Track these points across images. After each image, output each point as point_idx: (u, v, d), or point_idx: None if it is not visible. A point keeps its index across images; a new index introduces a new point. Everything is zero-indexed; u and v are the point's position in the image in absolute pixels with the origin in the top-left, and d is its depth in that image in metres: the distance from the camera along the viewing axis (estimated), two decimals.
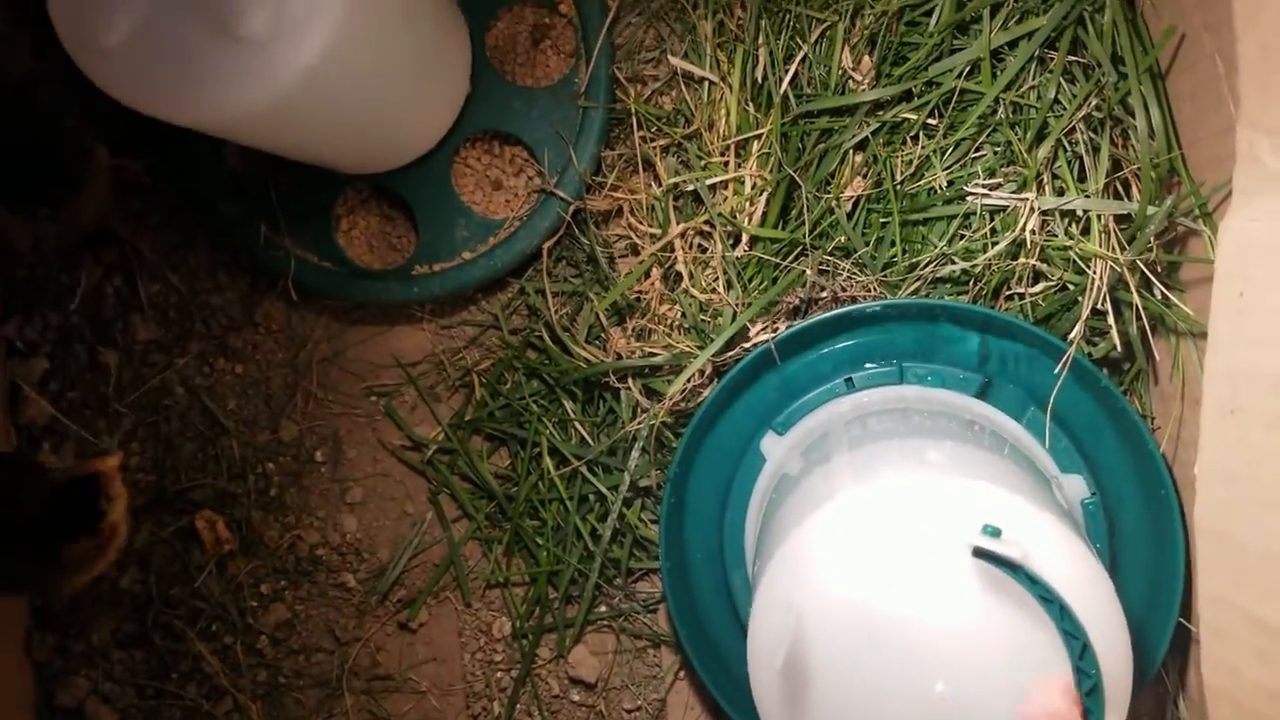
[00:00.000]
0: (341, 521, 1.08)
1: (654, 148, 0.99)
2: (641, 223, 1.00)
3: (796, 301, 0.96)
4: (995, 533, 0.64)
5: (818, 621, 0.68)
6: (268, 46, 0.68)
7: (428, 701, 1.07)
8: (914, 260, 0.94)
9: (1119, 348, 0.90)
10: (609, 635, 1.05)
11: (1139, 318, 0.88)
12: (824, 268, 0.95)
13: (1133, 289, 0.86)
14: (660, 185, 0.99)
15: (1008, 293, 0.93)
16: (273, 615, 1.07)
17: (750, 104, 0.96)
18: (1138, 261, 0.86)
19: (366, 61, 0.76)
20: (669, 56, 0.99)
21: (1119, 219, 0.88)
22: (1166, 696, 0.92)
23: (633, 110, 0.99)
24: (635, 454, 0.99)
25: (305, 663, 1.08)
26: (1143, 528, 0.91)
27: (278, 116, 0.73)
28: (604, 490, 1.01)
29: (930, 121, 0.93)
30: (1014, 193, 0.90)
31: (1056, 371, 0.88)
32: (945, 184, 0.92)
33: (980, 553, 0.63)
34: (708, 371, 0.97)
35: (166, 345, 1.09)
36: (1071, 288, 0.90)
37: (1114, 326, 0.89)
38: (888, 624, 0.67)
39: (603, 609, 1.04)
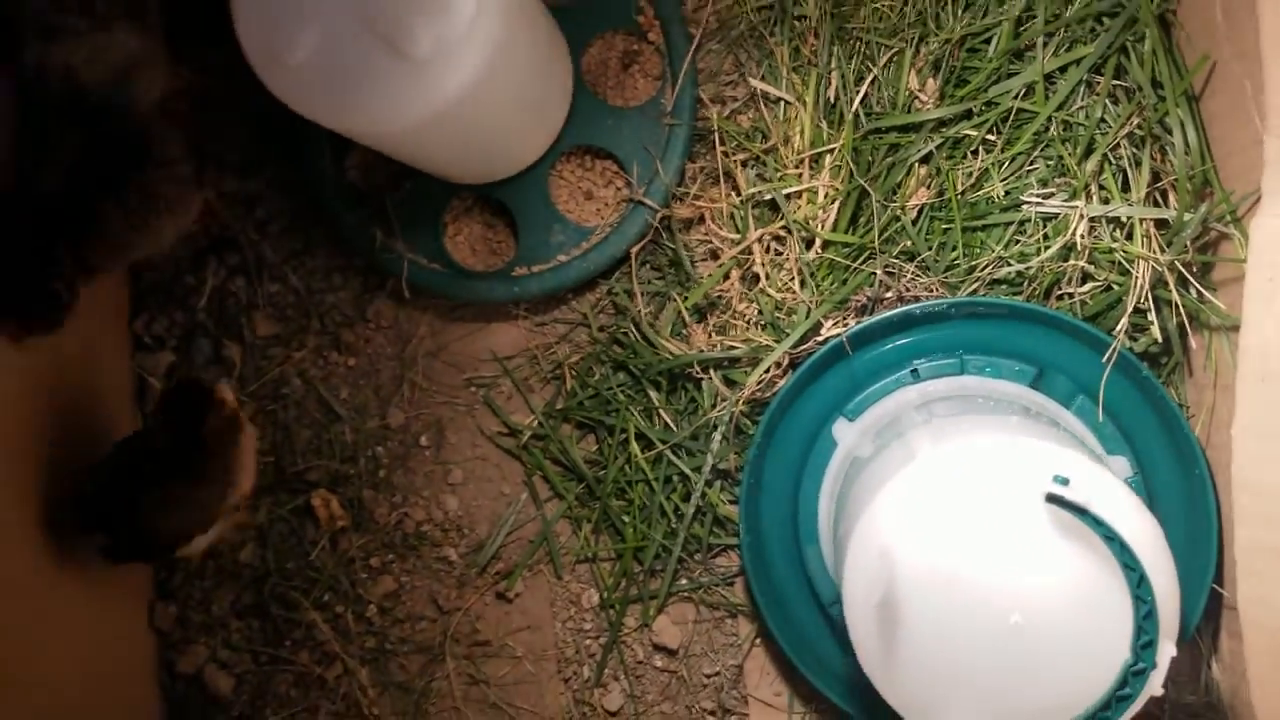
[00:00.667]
0: (444, 501, 1.18)
1: (734, 161, 1.10)
2: (721, 229, 1.10)
3: (865, 300, 1.06)
4: (1065, 481, 0.74)
5: (907, 563, 0.78)
6: (430, 66, 0.79)
7: (523, 666, 1.16)
8: (973, 263, 1.04)
9: (1159, 341, 1.00)
10: (689, 606, 1.14)
11: (1177, 314, 0.99)
12: (890, 270, 1.05)
13: (1171, 287, 0.97)
14: (739, 195, 1.09)
15: (1058, 293, 1.03)
16: (381, 586, 1.17)
17: (823, 121, 1.07)
18: (1176, 262, 0.96)
19: (505, 82, 0.87)
20: (748, 78, 1.10)
21: (1158, 225, 0.99)
22: (1201, 659, 1.01)
23: (715, 127, 1.10)
24: (716, 438, 1.09)
25: (410, 630, 1.17)
26: (1179, 504, 1.00)
27: (430, 129, 0.84)
28: (687, 471, 1.11)
29: (989, 138, 1.03)
30: (1065, 201, 1.00)
31: (1104, 361, 0.98)
32: (1003, 194, 1.03)
33: (1052, 498, 0.74)
34: (783, 364, 1.07)
35: (285, 340, 1.20)
36: (1116, 288, 1.01)
37: (1154, 322, 0.99)
38: (970, 564, 0.77)
39: (684, 582, 1.14)
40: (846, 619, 0.81)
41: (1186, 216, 0.95)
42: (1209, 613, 1.00)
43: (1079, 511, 0.73)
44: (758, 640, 1.13)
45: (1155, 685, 0.74)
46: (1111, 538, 0.73)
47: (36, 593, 0.96)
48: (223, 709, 1.18)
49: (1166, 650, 0.74)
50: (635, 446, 1.12)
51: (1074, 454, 0.78)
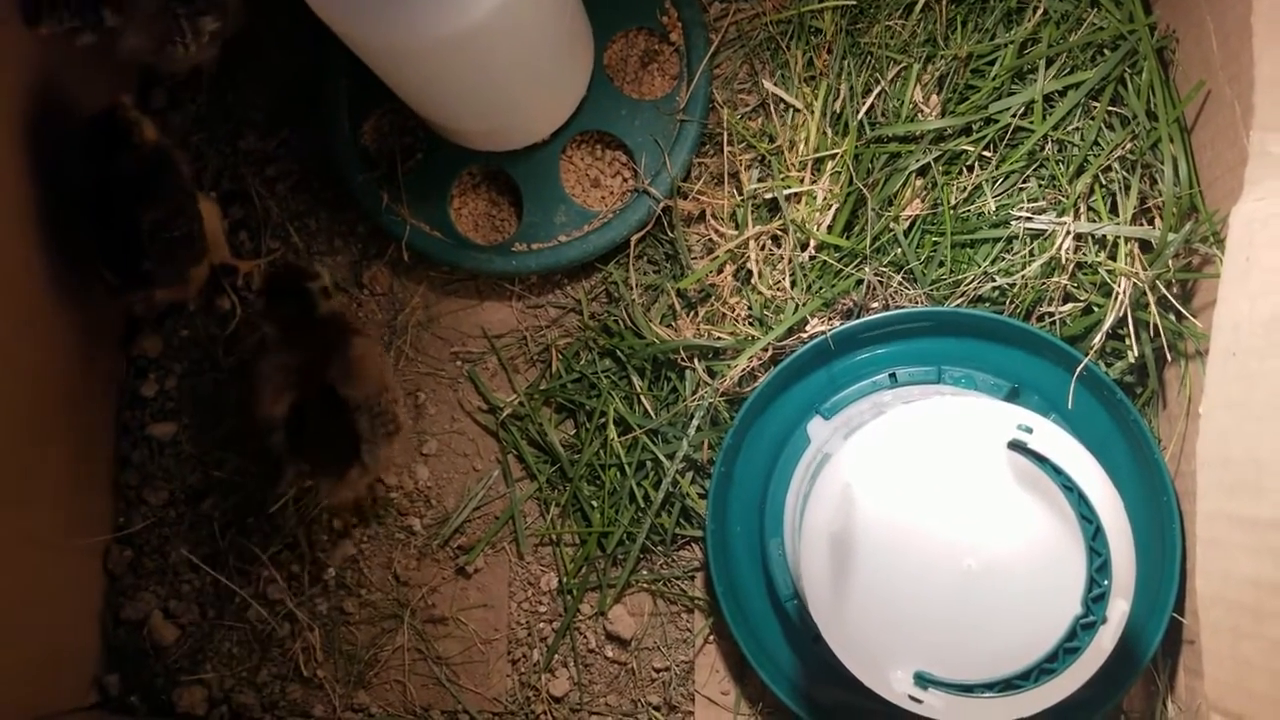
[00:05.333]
0: (415, 470, 1.18)
1: (740, 160, 1.14)
2: (722, 225, 1.13)
3: (851, 305, 1.08)
4: (1029, 431, 0.75)
5: (868, 501, 0.78)
6: None
7: (473, 644, 1.15)
8: (959, 278, 1.06)
9: (1135, 361, 1.01)
10: (647, 598, 1.13)
11: (1156, 336, 1.00)
12: (879, 277, 1.07)
13: (1152, 305, 0.99)
14: (741, 193, 1.12)
15: (1039, 312, 1.05)
16: (340, 550, 1.16)
17: (829, 129, 1.11)
18: (1158, 282, 0.98)
19: (529, 20, 0.91)
20: (761, 81, 1.14)
21: (1142, 249, 1.01)
22: (1157, 696, 1.00)
23: (726, 125, 1.14)
24: (694, 425, 1.10)
25: (365, 597, 1.16)
26: (1144, 530, 1.00)
27: (454, 53, 0.87)
28: (661, 457, 1.11)
29: (985, 154, 1.07)
30: (1053, 218, 1.03)
31: (1074, 374, 1.00)
32: (994, 209, 1.05)
33: (1014, 445, 0.74)
34: (767, 356, 1.08)
35: None
36: (1097, 309, 1.03)
37: (1132, 344, 1.01)
38: (929, 510, 0.77)
39: (644, 572, 1.13)
40: (801, 547, 0.81)
41: (1170, 236, 0.97)
42: (1167, 649, 1.00)
43: (1040, 460, 0.74)
44: (711, 637, 1.12)
45: (1105, 641, 0.74)
46: (1070, 488, 0.73)
47: None
48: (161, 658, 1.16)
49: (1119, 607, 0.74)
50: (613, 430, 1.13)
51: (1039, 416, 0.78)
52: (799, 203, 1.10)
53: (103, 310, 1.16)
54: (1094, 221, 1.02)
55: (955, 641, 0.77)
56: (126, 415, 1.20)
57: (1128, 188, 1.03)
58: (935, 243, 1.07)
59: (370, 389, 1.02)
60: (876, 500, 0.78)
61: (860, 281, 1.08)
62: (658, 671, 1.13)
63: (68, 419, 1.11)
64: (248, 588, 1.16)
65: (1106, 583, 0.74)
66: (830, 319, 1.09)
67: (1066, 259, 1.02)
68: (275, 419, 1.01)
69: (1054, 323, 1.04)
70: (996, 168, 1.06)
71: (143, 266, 1.02)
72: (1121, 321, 1.02)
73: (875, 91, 1.10)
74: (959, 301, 1.06)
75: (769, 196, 1.11)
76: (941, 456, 0.79)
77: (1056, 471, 0.74)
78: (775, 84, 1.14)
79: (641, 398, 1.13)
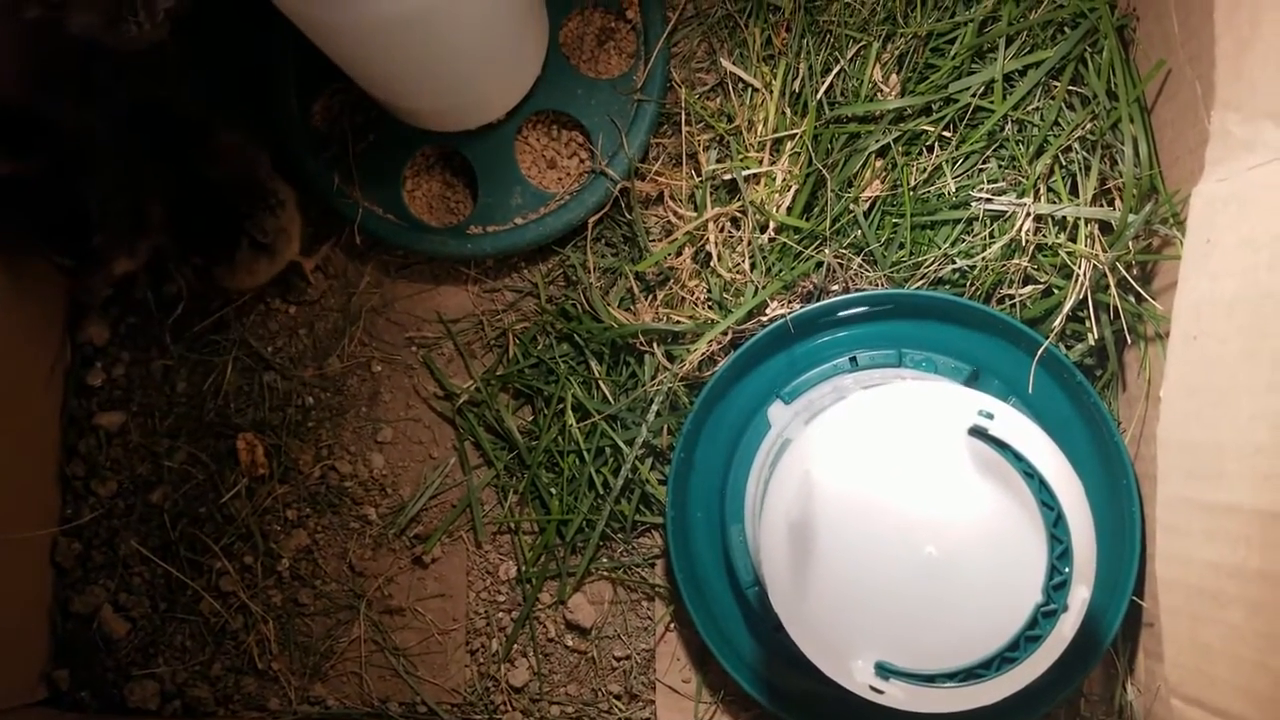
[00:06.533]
0: (370, 458, 1.16)
1: (698, 141, 1.12)
2: (680, 207, 1.11)
3: (811, 287, 1.07)
4: (989, 416, 0.74)
5: (827, 486, 0.77)
6: None
7: (430, 634, 1.13)
8: (919, 259, 1.05)
9: (1096, 343, 1.01)
10: (607, 586, 1.12)
11: (1115, 318, 1.00)
12: (839, 259, 1.06)
13: (1112, 287, 0.98)
14: (700, 175, 1.10)
15: (1000, 295, 1.04)
16: (294, 540, 1.14)
17: (788, 109, 1.09)
18: (1118, 264, 0.98)
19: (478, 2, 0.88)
20: (721, 60, 1.12)
21: (1103, 230, 1.01)
22: (1117, 680, 1.00)
23: (684, 105, 1.12)
24: (653, 411, 1.08)
25: (320, 588, 1.14)
26: (1104, 515, 0.99)
27: (405, 30, 0.84)
28: (620, 444, 1.09)
29: (945, 134, 1.06)
30: (1013, 200, 1.02)
31: (1035, 357, 0.99)
32: (954, 190, 1.04)
33: (975, 431, 0.73)
34: (726, 340, 1.07)
35: None
36: (1057, 291, 1.02)
37: (1092, 327, 1.00)
38: (889, 495, 0.76)
39: (604, 560, 1.12)
40: (761, 534, 0.79)
41: (1130, 217, 0.97)
42: (1127, 632, 0.99)
43: (1000, 446, 0.73)
44: (672, 625, 1.11)
45: (1066, 628, 0.73)
46: (1031, 474, 0.73)
47: None
48: (111, 652, 1.13)
49: (1080, 594, 0.73)
50: (571, 416, 1.11)
51: (1000, 402, 0.77)
52: (758, 184, 1.09)
53: (46, 298, 1.13)
54: (1054, 203, 1.01)
55: (917, 630, 0.76)
56: (73, 405, 1.17)
57: (1088, 168, 1.02)
58: (895, 224, 1.06)
59: (236, 169, 1.04)
60: (837, 486, 0.77)
61: (820, 264, 1.06)
62: (618, 660, 1.11)
63: (11, 410, 1.08)
64: (200, 580, 1.14)
65: (1068, 570, 0.73)
66: (790, 302, 1.07)
67: (1026, 241, 1.01)
68: (156, 223, 1.03)
69: (1014, 305, 1.03)
70: (956, 148, 1.05)
71: (92, 243, 1.00)
72: (1081, 304, 1.01)
73: (835, 71, 1.08)
74: (919, 284, 1.05)
75: (728, 178, 1.10)
76: (902, 442, 0.77)
77: (1018, 458, 0.73)
78: (733, 63, 1.12)
79: (600, 383, 1.11)
